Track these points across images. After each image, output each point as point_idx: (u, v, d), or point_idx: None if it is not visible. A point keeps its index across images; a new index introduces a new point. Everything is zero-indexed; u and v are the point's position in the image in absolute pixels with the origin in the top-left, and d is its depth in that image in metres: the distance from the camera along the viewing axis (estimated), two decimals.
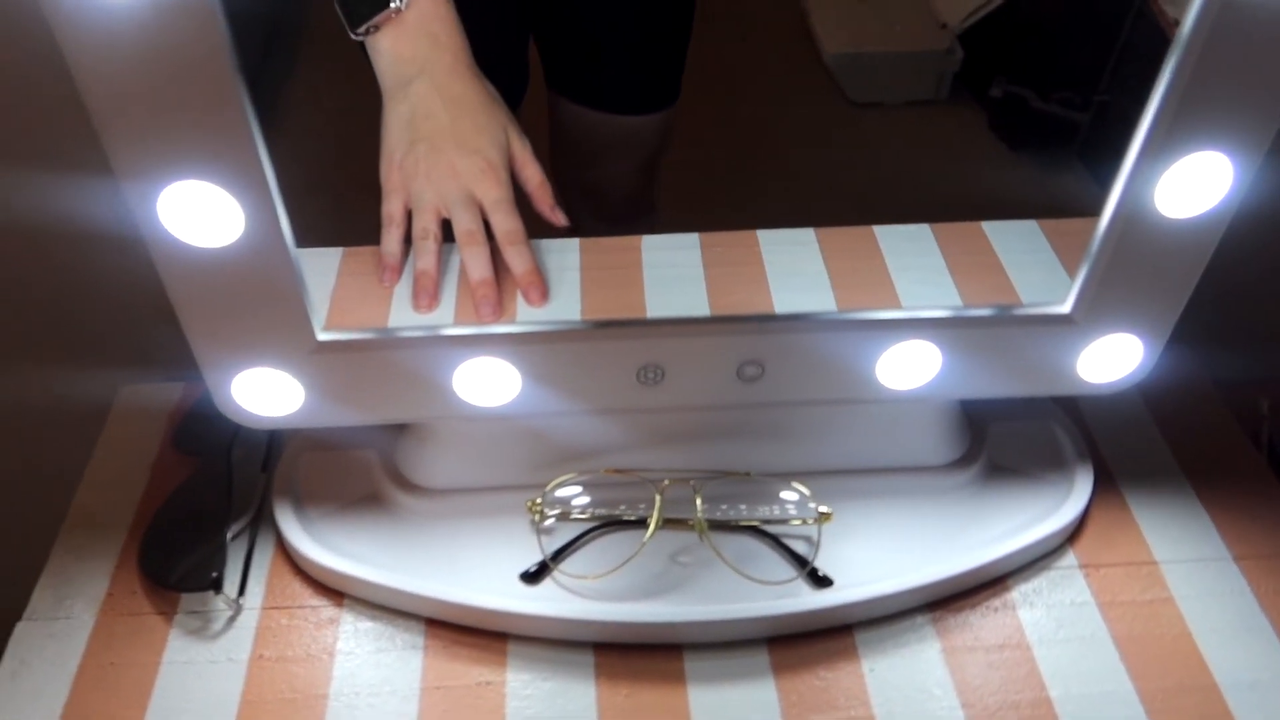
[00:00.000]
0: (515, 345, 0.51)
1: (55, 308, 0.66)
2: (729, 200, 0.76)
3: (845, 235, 0.61)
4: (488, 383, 0.52)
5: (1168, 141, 0.44)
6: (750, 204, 0.74)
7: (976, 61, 0.75)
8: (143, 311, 0.60)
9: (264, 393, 0.51)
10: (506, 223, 0.53)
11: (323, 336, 0.50)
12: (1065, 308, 0.52)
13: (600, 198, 0.81)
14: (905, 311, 0.52)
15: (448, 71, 0.52)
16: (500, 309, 0.52)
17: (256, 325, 0.48)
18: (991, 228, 0.62)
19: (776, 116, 0.78)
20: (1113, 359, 0.54)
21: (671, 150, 0.80)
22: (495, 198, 0.52)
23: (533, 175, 0.55)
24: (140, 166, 0.41)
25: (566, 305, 0.54)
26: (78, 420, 0.64)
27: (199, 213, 0.43)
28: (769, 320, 0.52)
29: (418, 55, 0.52)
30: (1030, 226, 0.62)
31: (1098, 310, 0.51)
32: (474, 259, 0.52)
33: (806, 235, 0.62)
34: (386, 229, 0.53)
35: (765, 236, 0.61)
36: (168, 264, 0.45)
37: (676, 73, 0.73)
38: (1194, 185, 0.46)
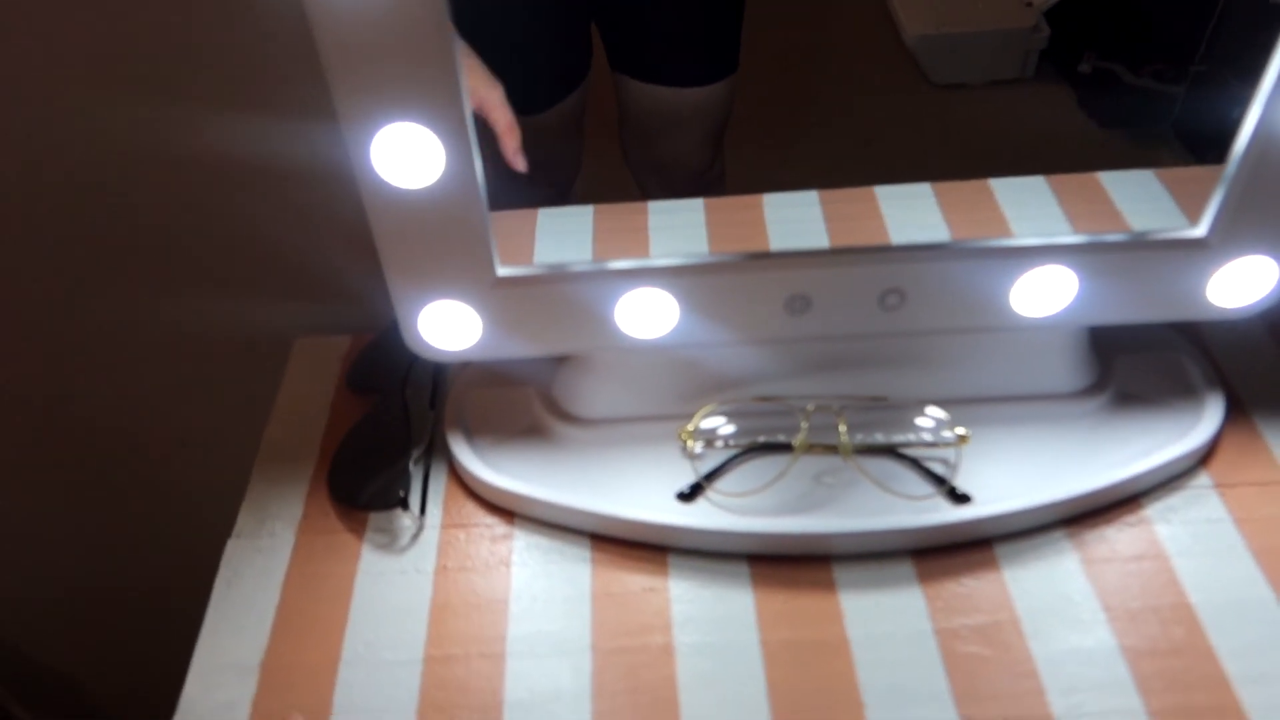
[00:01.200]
0: (673, 277, 0.55)
1: (252, 243, 0.72)
2: (808, 185, 0.78)
3: (960, 189, 0.64)
4: (647, 314, 0.56)
5: None
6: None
7: (1064, 38, 0.75)
8: (332, 249, 0.67)
9: (448, 326, 0.56)
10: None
11: (502, 272, 0.55)
12: (1200, 231, 0.54)
13: (670, 173, 0.84)
14: (1043, 238, 0.55)
15: None
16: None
17: (446, 260, 0.53)
18: (1107, 177, 0.64)
19: (856, 100, 0.79)
20: (1243, 282, 0.56)
21: (751, 138, 0.82)
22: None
23: (501, 118, 0.58)
24: (361, 109, 0.46)
25: (698, 246, 0.58)
26: (265, 351, 0.70)
27: (407, 154, 0.48)
28: (911, 249, 0.56)
29: None
30: (1146, 175, 0.64)
31: (1232, 233, 0.54)
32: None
33: (923, 189, 0.65)
34: None
35: (882, 191, 0.64)
36: (376, 202, 0.50)
37: (734, 43, 0.76)
38: None
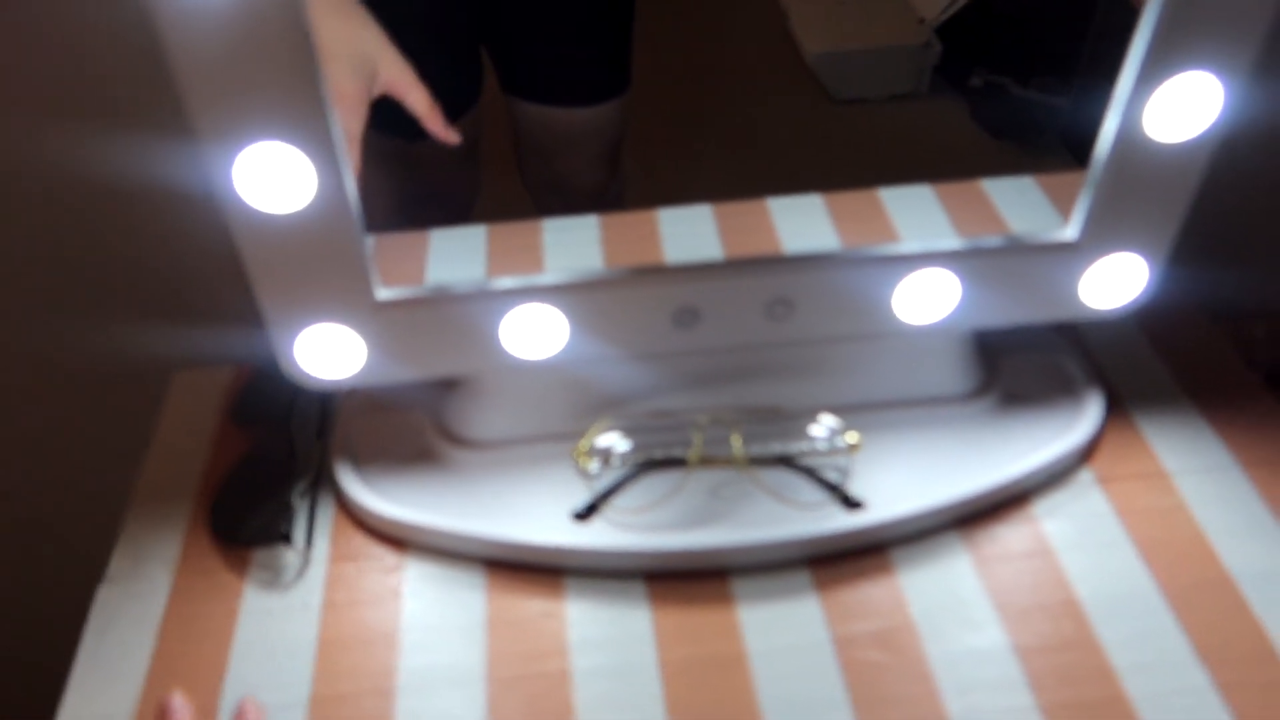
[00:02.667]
0: (559, 294, 0.54)
1: (116, 268, 0.69)
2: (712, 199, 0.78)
3: (849, 199, 0.65)
4: (535, 333, 0.55)
5: (1159, 60, 0.48)
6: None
7: (955, 53, 0.78)
8: (206, 274, 0.64)
9: (327, 353, 0.54)
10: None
11: (382, 295, 0.53)
12: (1071, 234, 0.56)
13: (569, 194, 0.84)
14: (922, 244, 0.56)
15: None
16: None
17: (322, 286, 0.51)
18: (990, 184, 0.65)
19: (759, 116, 0.81)
20: (1115, 282, 0.58)
21: (653, 156, 0.82)
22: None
23: (419, 98, 0.56)
24: (220, 127, 0.44)
25: (592, 263, 0.58)
26: (141, 386, 0.67)
27: (274, 175, 0.46)
28: (798, 260, 0.56)
29: None
30: (1026, 182, 0.66)
31: (1100, 234, 0.55)
32: None
33: (813, 200, 0.65)
34: None
35: (774, 203, 0.65)
36: (242, 225, 0.48)
37: (624, 62, 0.76)
38: (1184, 105, 0.50)
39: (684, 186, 0.79)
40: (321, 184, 0.48)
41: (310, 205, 0.48)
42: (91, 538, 0.61)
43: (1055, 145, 0.73)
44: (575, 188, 0.84)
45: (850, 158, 0.78)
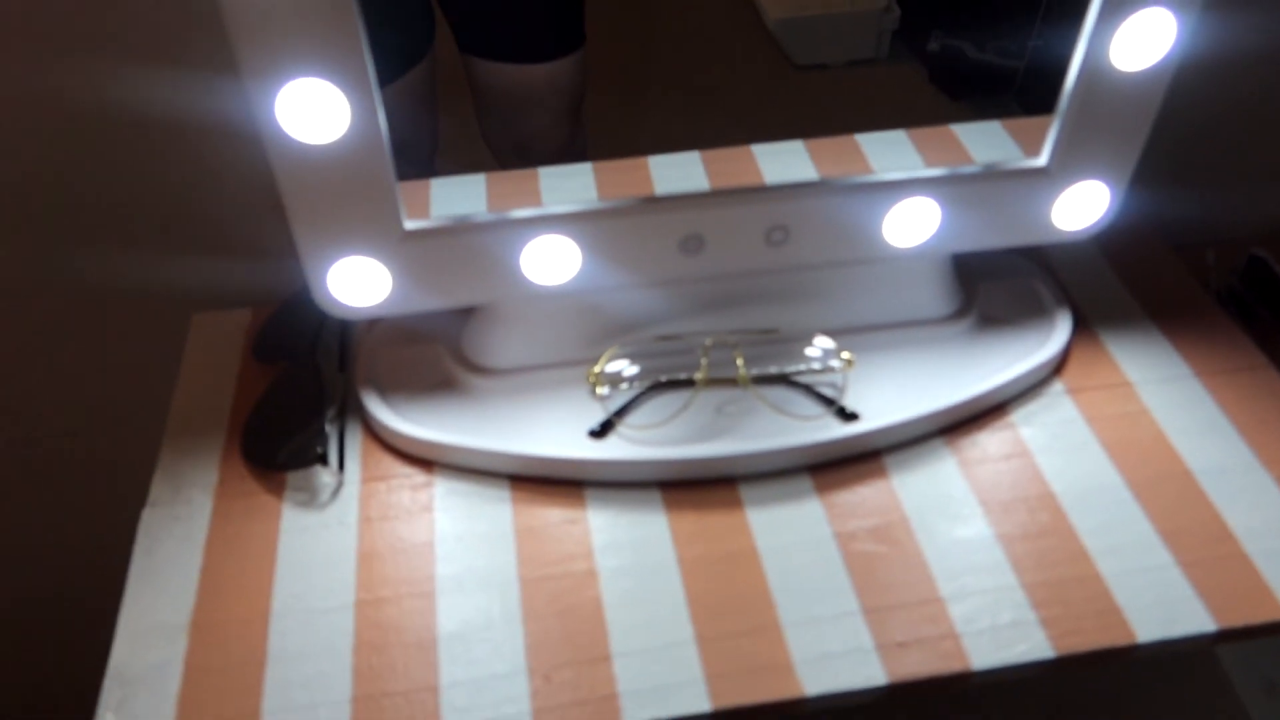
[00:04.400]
0: (572, 223, 0.58)
1: (142, 201, 0.71)
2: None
3: (829, 144, 0.69)
4: (550, 261, 0.59)
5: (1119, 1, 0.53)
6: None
7: (914, 18, 0.82)
8: (225, 213, 0.66)
9: (357, 282, 0.58)
10: None
11: (409, 225, 0.57)
12: (1041, 160, 0.61)
13: (530, 151, 0.85)
14: (908, 171, 0.61)
15: None
16: None
17: (354, 216, 0.55)
18: (959, 128, 0.70)
19: (722, 81, 0.84)
20: (1082, 206, 0.63)
21: (615, 121, 0.83)
22: None
23: None
24: (263, 65, 0.48)
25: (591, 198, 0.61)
26: (162, 326, 0.70)
27: (312, 110, 0.50)
28: (792, 187, 0.60)
29: None
30: (993, 126, 0.70)
31: (1068, 160, 0.60)
32: None
33: (795, 145, 0.69)
34: None
35: (758, 148, 0.68)
36: (281, 158, 0.51)
37: (577, 16, 0.77)
38: (1142, 38, 0.55)
39: (646, 148, 0.82)
40: (355, 118, 0.51)
41: (345, 137, 0.51)
42: (129, 477, 0.64)
43: (1011, 106, 0.78)
44: (537, 145, 0.84)
45: (814, 119, 0.81)
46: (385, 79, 0.71)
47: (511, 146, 0.83)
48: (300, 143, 0.51)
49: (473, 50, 0.77)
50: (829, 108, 0.81)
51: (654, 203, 0.59)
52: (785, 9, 0.84)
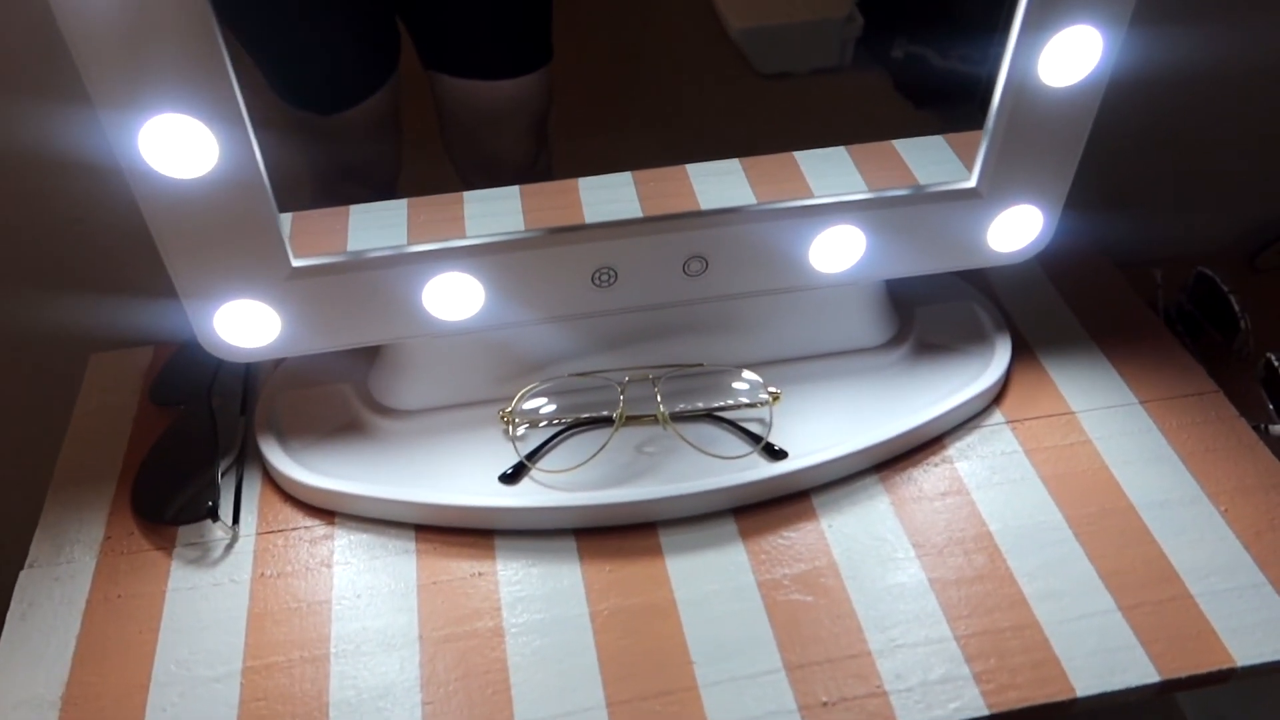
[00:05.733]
0: (476, 257, 0.55)
1: (31, 242, 0.67)
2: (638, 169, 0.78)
3: (766, 161, 0.66)
4: (454, 297, 0.56)
5: (1043, 16, 0.50)
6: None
7: (877, 26, 0.80)
8: (119, 251, 0.63)
9: (244, 324, 0.54)
10: None
11: (297, 263, 0.53)
12: (971, 182, 0.58)
13: (495, 169, 0.84)
14: (831, 196, 0.57)
15: None
16: None
17: (234, 255, 0.51)
18: (901, 144, 0.67)
19: (685, 90, 0.82)
20: (1017, 228, 0.60)
21: (579, 133, 0.81)
22: None
23: None
24: (120, 101, 0.44)
25: (514, 226, 0.58)
26: (56, 370, 0.66)
27: (178, 146, 0.46)
28: (708, 214, 0.57)
29: None
30: (936, 140, 0.67)
31: (999, 181, 0.57)
32: None
33: (731, 164, 0.66)
34: None
35: (692, 168, 0.65)
36: (146, 195, 0.47)
37: (544, 31, 0.77)
38: (1070, 57, 0.52)
39: (610, 160, 0.80)
40: (225, 152, 0.47)
41: (213, 173, 0.48)
42: (9, 524, 0.60)
43: (974, 114, 0.76)
44: (502, 161, 0.83)
45: (776, 128, 0.79)
46: (348, 103, 0.68)
47: (476, 162, 0.81)
48: (166, 177, 0.47)
49: (436, 65, 0.75)
50: (792, 115, 0.79)
51: (561, 233, 0.56)
52: (748, 18, 0.83)
